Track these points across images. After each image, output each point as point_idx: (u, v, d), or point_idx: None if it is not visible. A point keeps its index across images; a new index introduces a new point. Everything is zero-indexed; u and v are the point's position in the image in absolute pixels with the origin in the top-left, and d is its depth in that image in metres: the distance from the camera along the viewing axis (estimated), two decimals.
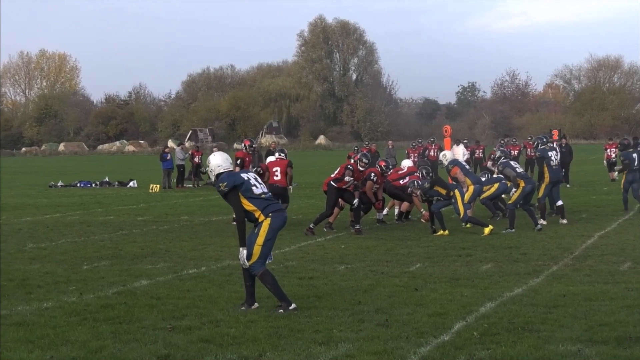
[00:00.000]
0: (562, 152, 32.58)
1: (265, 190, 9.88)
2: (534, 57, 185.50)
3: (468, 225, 17.66)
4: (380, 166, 18.82)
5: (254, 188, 9.71)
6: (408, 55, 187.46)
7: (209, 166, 10.05)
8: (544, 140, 19.36)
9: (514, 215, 17.46)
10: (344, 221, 18.80)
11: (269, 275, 9.65)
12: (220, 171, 9.85)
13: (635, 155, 21.92)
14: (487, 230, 16.69)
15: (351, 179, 17.80)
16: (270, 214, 9.65)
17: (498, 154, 19.25)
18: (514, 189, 17.97)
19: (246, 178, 9.77)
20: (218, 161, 10.00)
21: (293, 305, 9.57)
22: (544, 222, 18.10)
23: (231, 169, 9.98)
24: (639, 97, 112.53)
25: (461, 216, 17.43)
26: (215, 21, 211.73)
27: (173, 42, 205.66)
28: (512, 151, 32.95)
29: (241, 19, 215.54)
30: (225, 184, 9.61)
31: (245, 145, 21.27)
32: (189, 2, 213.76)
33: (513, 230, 17.09)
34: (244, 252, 9.58)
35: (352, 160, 18.59)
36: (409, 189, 18.02)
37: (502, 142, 35.90)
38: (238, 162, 19.87)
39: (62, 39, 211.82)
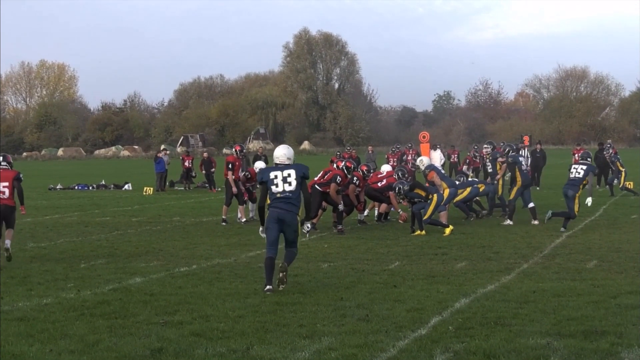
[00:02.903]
0: (537, 157, 32.69)
1: (283, 189, 10.65)
2: (505, 68, 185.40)
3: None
4: (363, 170, 18.83)
5: (273, 187, 10.67)
6: (387, 65, 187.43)
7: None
8: (514, 147, 19.63)
9: (513, 210, 18.56)
10: (327, 222, 18.80)
11: (269, 261, 10.60)
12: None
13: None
14: (447, 230, 16.86)
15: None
16: (270, 207, 10.68)
17: (507, 149, 19.71)
18: (510, 186, 18.70)
19: (272, 177, 10.74)
20: (276, 153, 10.95)
21: (268, 287, 10.44)
22: (511, 222, 18.29)
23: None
24: (604, 105, 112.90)
25: (424, 217, 17.28)
26: (208, 39, 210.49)
27: (166, 55, 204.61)
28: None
29: (230, 35, 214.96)
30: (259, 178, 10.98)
31: (235, 150, 21.27)
32: (181, 20, 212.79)
33: (511, 222, 18.19)
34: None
35: (335, 165, 18.56)
36: (393, 189, 17.98)
37: (476, 147, 36.00)
38: (229, 166, 19.99)
39: (61, 50, 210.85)
